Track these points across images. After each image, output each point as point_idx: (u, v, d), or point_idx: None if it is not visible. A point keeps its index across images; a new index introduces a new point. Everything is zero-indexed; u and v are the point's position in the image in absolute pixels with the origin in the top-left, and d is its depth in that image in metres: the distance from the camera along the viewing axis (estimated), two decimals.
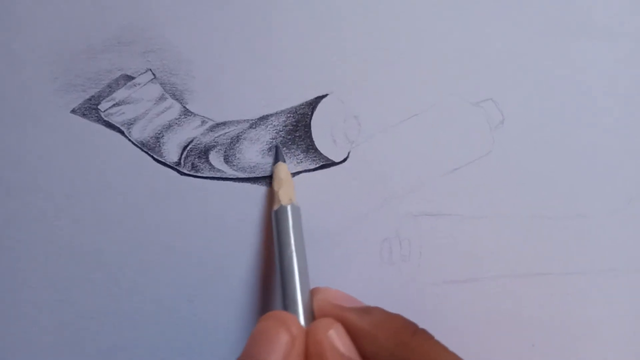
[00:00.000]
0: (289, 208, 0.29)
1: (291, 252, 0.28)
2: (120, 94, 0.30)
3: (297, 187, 0.31)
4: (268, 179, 0.31)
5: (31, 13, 0.30)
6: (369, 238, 0.32)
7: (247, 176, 0.31)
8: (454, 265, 0.32)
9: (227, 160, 0.31)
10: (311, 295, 0.27)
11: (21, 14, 0.30)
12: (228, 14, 0.31)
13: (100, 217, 0.31)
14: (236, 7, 0.31)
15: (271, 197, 0.31)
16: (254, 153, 0.31)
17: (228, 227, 0.31)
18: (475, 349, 0.32)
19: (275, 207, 0.29)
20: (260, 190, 0.31)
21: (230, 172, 0.31)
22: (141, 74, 0.31)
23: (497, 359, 0.32)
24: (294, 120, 0.31)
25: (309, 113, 0.31)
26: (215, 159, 0.31)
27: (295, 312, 0.27)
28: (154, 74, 0.31)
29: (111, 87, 0.30)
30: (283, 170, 0.31)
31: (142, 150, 0.31)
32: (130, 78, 0.30)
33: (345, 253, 0.32)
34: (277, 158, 0.31)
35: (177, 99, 0.31)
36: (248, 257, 0.31)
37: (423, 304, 0.32)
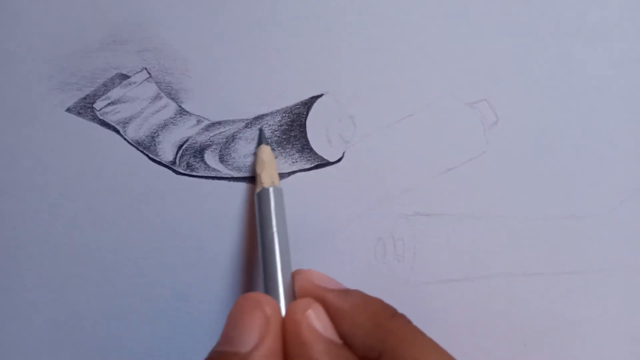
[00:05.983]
0: (271, 190, 0.29)
1: (272, 234, 0.27)
2: (115, 93, 0.30)
3: (292, 187, 0.31)
4: None
5: (26, 12, 0.30)
6: (363, 238, 0.32)
7: (242, 175, 0.31)
8: (448, 265, 0.32)
9: (222, 159, 0.31)
10: (293, 276, 0.27)
11: (16, 12, 0.30)
12: (224, 14, 0.31)
13: (95, 216, 0.31)
14: (232, 7, 0.31)
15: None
16: (249, 152, 0.31)
17: (223, 226, 0.31)
18: (468, 348, 0.32)
19: (258, 190, 0.29)
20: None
21: (225, 171, 0.31)
22: (137, 72, 0.31)
23: (490, 358, 0.32)
24: (289, 119, 0.31)
25: (305, 113, 0.31)
26: (211, 158, 0.31)
27: (276, 293, 0.26)
28: (149, 73, 0.31)
29: (106, 86, 0.30)
30: (266, 152, 0.30)
31: (138, 149, 0.31)
32: (125, 77, 0.30)
33: (339, 252, 0.32)
34: (260, 141, 0.31)
35: (172, 98, 0.31)
36: (243, 255, 0.31)
37: (417, 304, 0.32)
